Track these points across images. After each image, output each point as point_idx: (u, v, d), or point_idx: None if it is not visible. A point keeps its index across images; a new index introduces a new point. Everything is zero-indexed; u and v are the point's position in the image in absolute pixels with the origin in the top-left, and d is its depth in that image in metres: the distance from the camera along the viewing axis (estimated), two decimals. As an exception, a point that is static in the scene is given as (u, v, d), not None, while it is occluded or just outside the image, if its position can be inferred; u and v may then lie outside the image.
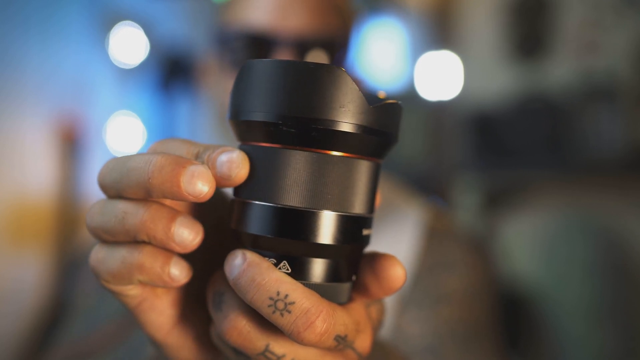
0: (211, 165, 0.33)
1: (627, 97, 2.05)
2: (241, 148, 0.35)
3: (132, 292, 0.35)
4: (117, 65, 2.14)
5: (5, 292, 1.87)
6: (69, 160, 2.03)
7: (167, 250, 0.34)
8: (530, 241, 2.28)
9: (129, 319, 0.72)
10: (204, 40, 1.31)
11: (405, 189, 0.88)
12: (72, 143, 2.03)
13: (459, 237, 0.83)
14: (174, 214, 0.33)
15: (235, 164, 0.32)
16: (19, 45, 1.89)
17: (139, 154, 0.34)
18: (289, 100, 0.32)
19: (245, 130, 0.34)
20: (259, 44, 0.75)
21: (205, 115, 2.27)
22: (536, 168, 2.20)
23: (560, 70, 2.26)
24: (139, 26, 2.14)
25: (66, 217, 2.02)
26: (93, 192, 2.08)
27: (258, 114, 0.33)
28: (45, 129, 1.97)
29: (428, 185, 2.40)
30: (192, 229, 0.33)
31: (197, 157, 0.34)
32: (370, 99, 0.33)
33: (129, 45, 2.12)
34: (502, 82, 2.41)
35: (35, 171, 1.96)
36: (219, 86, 0.83)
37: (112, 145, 2.11)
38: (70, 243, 2.01)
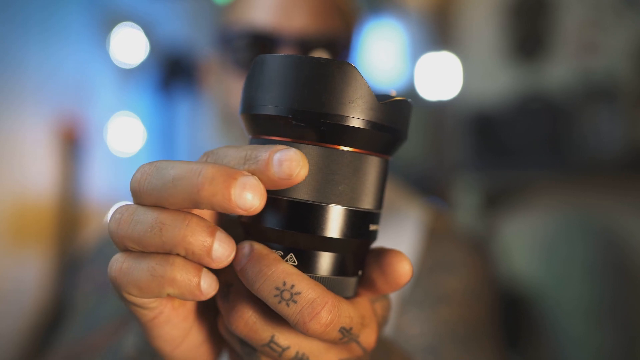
0: (266, 167, 0.31)
1: (627, 97, 2.06)
2: (252, 142, 0.35)
3: (153, 304, 0.34)
4: (117, 65, 2.14)
5: (5, 292, 1.87)
6: (69, 160, 2.03)
7: (198, 263, 0.33)
8: (530, 241, 2.28)
9: (127, 320, 0.72)
10: (206, 40, 1.31)
11: (405, 189, 0.88)
12: (72, 143, 2.03)
13: (459, 237, 0.83)
14: (213, 229, 0.32)
15: (295, 162, 0.31)
16: (19, 46, 1.89)
17: (182, 162, 0.32)
18: (299, 94, 0.32)
19: (256, 124, 0.34)
20: (261, 43, 0.76)
21: (206, 115, 2.28)
22: (536, 168, 2.20)
23: (560, 71, 2.26)
24: (139, 27, 2.14)
25: (66, 217, 2.02)
26: (93, 192, 2.08)
27: (269, 108, 0.33)
28: (45, 129, 1.97)
29: (428, 186, 2.40)
30: (228, 244, 0.32)
31: (246, 161, 0.32)
32: (380, 95, 0.33)
33: (130, 45, 2.12)
34: (502, 82, 2.41)
35: (35, 171, 1.96)
36: (220, 86, 0.83)
37: (112, 145, 2.11)
38: (70, 243, 2.01)
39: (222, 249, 0.31)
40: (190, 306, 0.37)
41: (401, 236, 0.78)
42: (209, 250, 0.31)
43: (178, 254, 0.32)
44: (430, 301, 0.74)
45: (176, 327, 0.36)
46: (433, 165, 2.64)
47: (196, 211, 0.35)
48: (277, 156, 0.31)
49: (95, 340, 0.69)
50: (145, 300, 0.34)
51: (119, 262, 0.33)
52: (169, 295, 0.33)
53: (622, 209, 2.06)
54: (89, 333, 0.73)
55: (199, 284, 0.32)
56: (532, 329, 2.13)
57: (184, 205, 0.31)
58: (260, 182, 0.31)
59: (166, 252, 0.32)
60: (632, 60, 2.07)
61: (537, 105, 2.22)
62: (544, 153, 2.16)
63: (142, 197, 0.33)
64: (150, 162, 0.33)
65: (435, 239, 0.80)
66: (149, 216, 0.32)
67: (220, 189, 0.30)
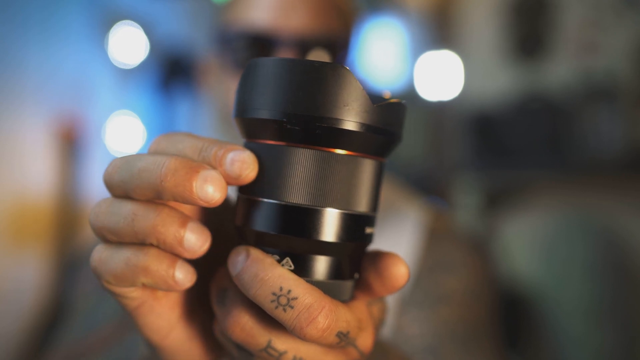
0: (219, 163, 0.33)
1: (627, 97, 2.06)
2: (246, 145, 0.35)
3: (133, 294, 0.35)
4: (117, 65, 2.14)
5: (5, 292, 1.87)
6: (69, 160, 2.03)
7: (173, 254, 0.34)
8: (530, 241, 2.28)
9: (127, 320, 0.72)
10: (205, 40, 1.31)
11: (405, 189, 0.88)
12: (72, 143, 2.03)
13: (458, 237, 0.83)
14: (185, 219, 0.33)
15: (245, 164, 0.32)
16: (19, 46, 1.89)
17: (149, 155, 0.33)
18: (293, 98, 0.32)
19: (250, 128, 0.34)
20: (260, 43, 0.75)
21: (205, 114, 2.28)
22: (536, 168, 2.20)
23: (560, 70, 2.26)
24: (138, 26, 2.14)
25: (66, 217, 2.02)
26: (93, 192, 2.08)
27: (263, 112, 0.33)
28: (45, 129, 1.97)
29: (428, 186, 2.40)
30: (201, 235, 0.33)
31: (201, 152, 0.33)
32: (374, 98, 0.33)
33: (129, 45, 2.12)
34: (502, 82, 2.41)
35: (35, 171, 1.96)
36: (220, 86, 0.83)
37: (111, 145, 2.11)
38: (70, 243, 2.01)
39: (194, 239, 0.32)
40: (175, 297, 0.37)
41: (401, 236, 0.78)
42: (180, 240, 0.32)
43: (152, 245, 0.33)
44: (430, 301, 0.73)
45: (161, 317, 0.36)
46: (433, 165, 2.64)
47: (179, 206, 0.35)
48: (230, 155, 0.33)
49: (96, 340, 0.69)
50: (125, 289, 0.34)
51: (98, 252, 0.34)
52: (144, 285, 0.34)
53: (622, 209, 2.06)
54: (89, 333, 0.73)
55: (173, 274, 0.33)
56: (532, 329, 2.13)
57: (149, 196, 0.33)
58: (221, 176, 0.32)
59: (140, 243, 0.33)
60: (632, 60, 2.07)
61: (537, 105, 2.22)
62: (544, 153, 2.16)
63: (114, 189, 0.34)
64: (121, 156, 0.34)
65: (435, 239, 0.80)
66: (123, 208, 0.33)
67: (182, 180, 0.31)
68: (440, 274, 0.76)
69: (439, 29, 2.64)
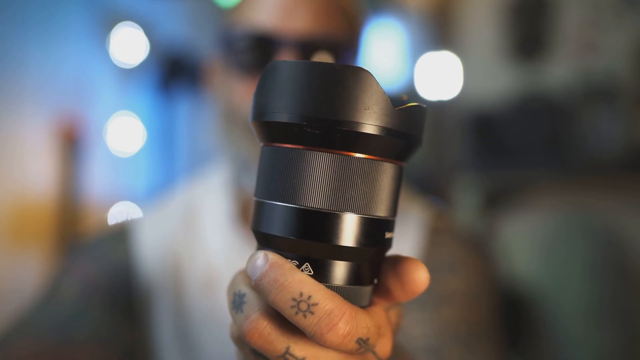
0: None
1: (626, 97, 2.06)
2: (264, 149, 0.35)
3: None
4: (117, 65, 2.14)
5: (5, 292, 1.87)
6: (69, 160, 2.02)
7: None
8: (530, 241, 2.28)
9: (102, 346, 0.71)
10: (206, 40, 1.31)
11: (407, 189, 0.88)
12: (72, 143, 2.03)
13: (460, 237, 0.83)
14: None
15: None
16: (19, 46, 1.89)
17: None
18: (313, 101, 0.31)
19: (269, 132, 0.34)
20: (263, 45, 0.75)
21: (208, 115, 2.28)
22: (536, 168, 2.20)
23: (560, 71, 2.26)
24: (139, 26, 2.14)
25: (66, 217, 2.02)
26: (93, 192, 2.08)
27: (282, 115, 0.32)
28: (45, 129, 1.97)
29: (428, 186, 2.40)
30: None
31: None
32: (394, 101, 0.33)
33: (130, 45, 2.11)
34: (502, 82, 2.41)
35: (35, 171, 1.96)
36: (223, 87, 0.83)
37: (112, 145, 2.10)
38: (70, 243, 2.01)
39: None
40: None
41: (404, 236, 0.78)
42: None
43: None
44: (432, 301, 0.73)
45: None
46: (433, 165, 2.63)
47: None
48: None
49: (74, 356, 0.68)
50: None
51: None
52: None
53: (622, 209, 2.06)
54: (65, 345, 0.72)
55: None
56: (532, 329, 2.13)
57: None
58: None
59: None
60: (632, 60, 2.07)
61: (537, 105, 2.22)
62: (544, 153, 2.16)
63: None
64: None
65: (437, 238, 0.80)
66: None
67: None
68: (443, 273, 0.76)
69: (438, 30, 2.64)
